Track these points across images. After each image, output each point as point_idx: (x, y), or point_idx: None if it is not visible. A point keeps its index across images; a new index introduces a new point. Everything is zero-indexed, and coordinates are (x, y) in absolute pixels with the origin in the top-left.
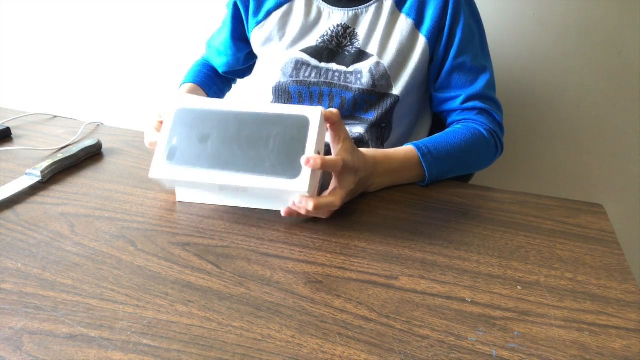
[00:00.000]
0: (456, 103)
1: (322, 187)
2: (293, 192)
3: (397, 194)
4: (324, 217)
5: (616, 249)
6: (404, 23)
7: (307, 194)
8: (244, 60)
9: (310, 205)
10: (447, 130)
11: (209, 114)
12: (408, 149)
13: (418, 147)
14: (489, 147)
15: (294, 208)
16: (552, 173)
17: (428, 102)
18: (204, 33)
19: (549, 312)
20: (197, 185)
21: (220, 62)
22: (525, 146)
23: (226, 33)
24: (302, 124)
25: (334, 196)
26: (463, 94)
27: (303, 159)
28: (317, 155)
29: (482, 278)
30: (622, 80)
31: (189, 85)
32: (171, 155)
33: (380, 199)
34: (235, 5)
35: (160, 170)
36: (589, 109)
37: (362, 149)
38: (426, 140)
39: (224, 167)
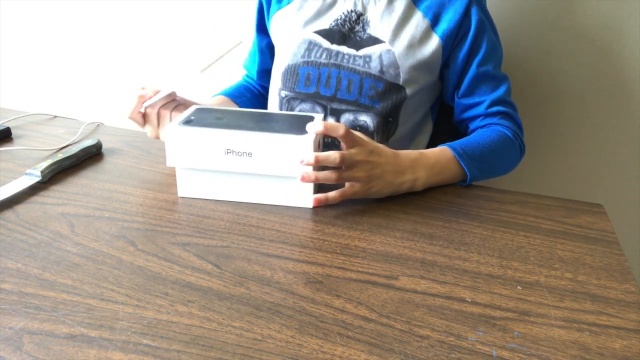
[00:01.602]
0: (481, 108)
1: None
2: (298, 149)
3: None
4: (330, 181)
5: (616, 249)
6: (420, 19)
7: (311, 145)
8: (270, 56)
9: (312, 157)
10: (474, 133)
11: (226, 109)
12: (441, 148)
13: (453, 148)
14: (514, 148)
15: (303, 174)
16: (552, 173)
17: (430, 111)
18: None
19: (549, 312)
20: (205, 148)
21: (252, 64)
22: (525, 146)
23: (254, 29)
24: (308, 118)
25: (334, 152)
26: (487, 99)
27: (308, 125)
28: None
29: (482, 278)
30: (622, 80)
31: (218, 97)
32: (187, 123)
33: (380, 199)
34: (260, 2)
35: (175, 128)
36: (589, 109)
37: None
38: (458, 142)
39: (235, 128)
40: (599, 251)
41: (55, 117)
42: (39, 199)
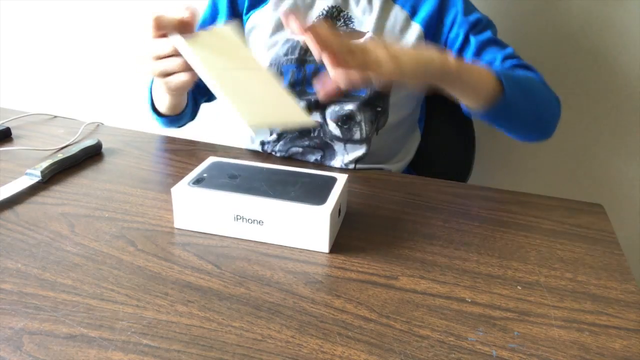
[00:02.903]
0: (495, 65)
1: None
2: (314, 220)
3: (396, 194)
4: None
5: (616, 249)
6: (398, 11)
7: (328, 218)
8: None
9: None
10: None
11: (241, 164)
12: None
13: (488, 63)
14: (549, 92)
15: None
16: (552, 173)
17: (418, 122)
18: None
19: (549, 312)
20: (213, 213)
21: None
22: (525, 146)
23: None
24: (330, 180)
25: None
26: (499, 56)
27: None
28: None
29: (482, 278)
30: (622, 80)
31: None
32: (197, 182)
33: (380, 199)
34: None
35: (182, 189)
36: (589, 109)
37: None
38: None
39: (246, 193)
40: (599, 251)
41: (55, 117)
42: (39, 199)
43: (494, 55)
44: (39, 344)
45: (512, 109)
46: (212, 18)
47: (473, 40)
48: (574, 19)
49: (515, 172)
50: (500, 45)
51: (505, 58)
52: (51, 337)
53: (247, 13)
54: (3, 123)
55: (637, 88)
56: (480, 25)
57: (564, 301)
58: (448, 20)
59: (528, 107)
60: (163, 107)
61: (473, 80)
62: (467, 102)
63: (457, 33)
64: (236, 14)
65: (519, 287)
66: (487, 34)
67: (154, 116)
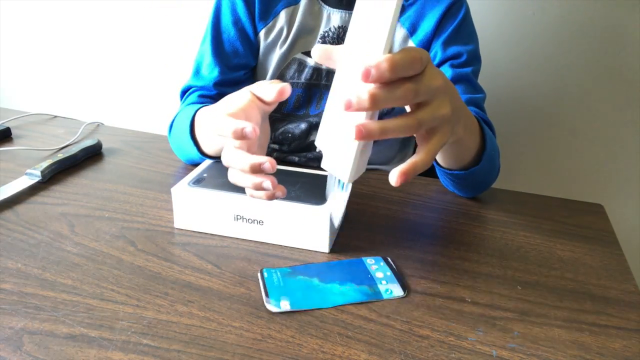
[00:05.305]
0: None
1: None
2: (313, 220)
3: (397, 194)
4: (405, 132)
5: (616, 249)
6: (398, 29)
7: (327, 218)
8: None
9: (384, 64)
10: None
11: None
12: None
13: (479, 118)
14: (498, 160)
15: (360, 127)
16: (552, 173)
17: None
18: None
19: (549, 312)
20: (212, 213)
21: (211, 73)
22: (525, 146)
23: (209, 33)
24: (330, 179)
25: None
26: (464, 97)
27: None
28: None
29: (482, 278)
30: (622, 80)
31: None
32: (197, 182)
33: (380, 199)
34: (233, 6)
35: (182, 189)
36: (589, 109)
37: None
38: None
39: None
40: (599, 251)
41: (55, 117)
42: (39, 199)
43: (460, 95)
44: (39, 344)
45: (472, 179)
46: (234, 23)
47: (449, 71)
48: (574, 20)
49: (515, 172)
50: (474, 86)
51: (470, 103)
52: (51, 337)
53: (257, 30)
54: (3, 123)
55: (637, 88)
56: (462, 59)
57: (564, 301)
58: (439, 40)
59: (483, 178)
60: (212, 151)
61: (467, 145)
62: (444, 159)
63: (435, 53)
64: (254, 23)
65: (519, 287)
66: (466, 70)
67: (194, 150)
